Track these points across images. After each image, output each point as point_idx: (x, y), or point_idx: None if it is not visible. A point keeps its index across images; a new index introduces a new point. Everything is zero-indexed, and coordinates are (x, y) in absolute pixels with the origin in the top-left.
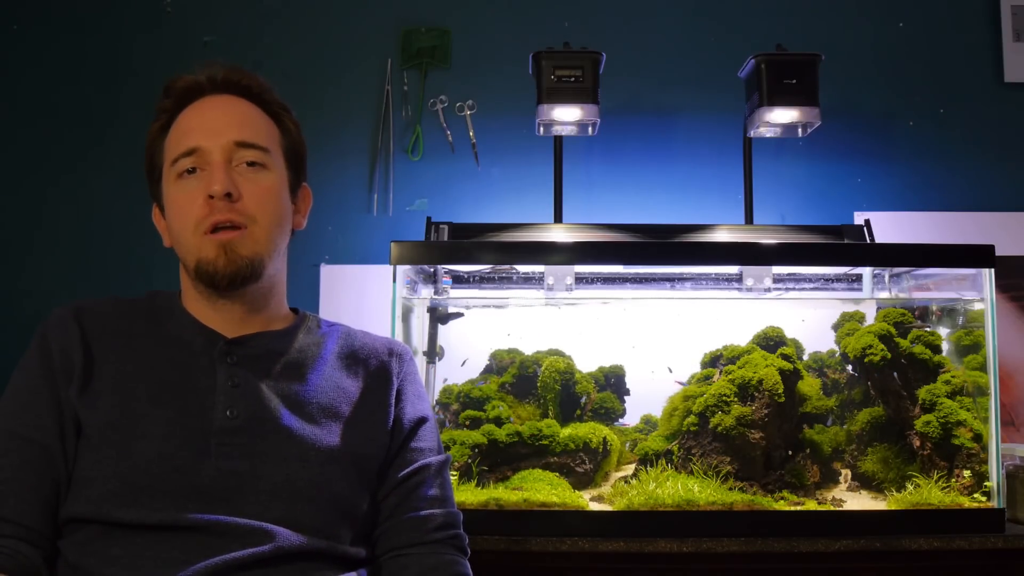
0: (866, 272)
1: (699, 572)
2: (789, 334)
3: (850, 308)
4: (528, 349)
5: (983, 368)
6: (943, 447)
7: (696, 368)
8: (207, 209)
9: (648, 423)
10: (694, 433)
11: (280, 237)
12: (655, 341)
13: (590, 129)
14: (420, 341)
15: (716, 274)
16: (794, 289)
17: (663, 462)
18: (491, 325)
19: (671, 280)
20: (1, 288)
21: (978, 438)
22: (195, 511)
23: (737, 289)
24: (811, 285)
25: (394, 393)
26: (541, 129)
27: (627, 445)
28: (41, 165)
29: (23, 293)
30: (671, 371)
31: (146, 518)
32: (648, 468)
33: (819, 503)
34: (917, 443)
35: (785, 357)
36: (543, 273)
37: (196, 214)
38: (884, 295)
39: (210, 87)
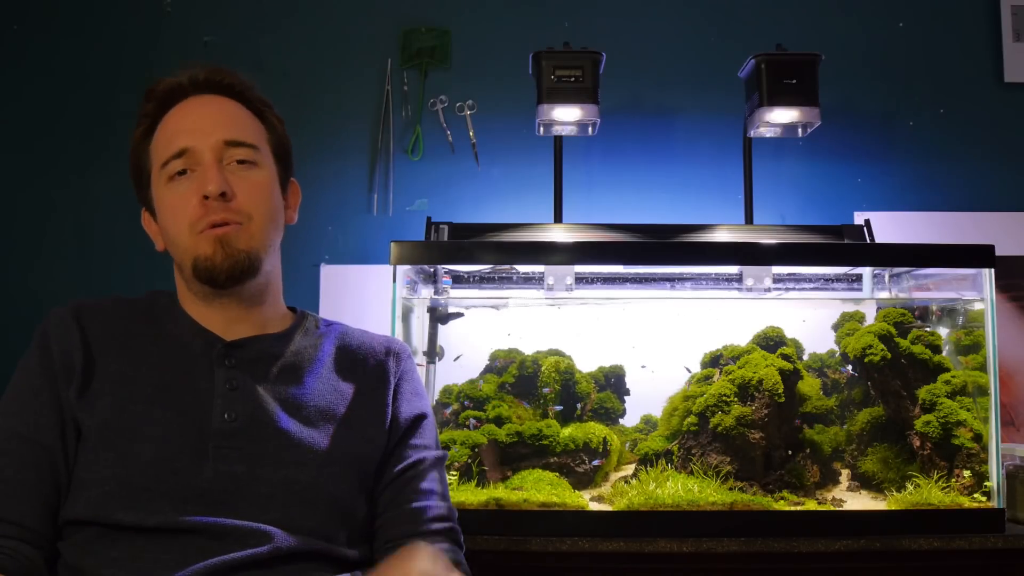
0: (866, 272)
1: (699, 572)
2: (789, 334)
3: (850, 308)
4: (528, 349)
5: (983, 368)
6: (943, 447)
7: (696, 368)
8: (202, 210)
9: (648, 423)
10: (694, 433)
11: (274, 232)
12: (655, 341)
13: (590, 129)
14: (420, 341)
15: (716, 274)
16: (794, 289)
17: (663, 462)
18: (491, 325)
19: (671, 280)
20: (4, 288)
21: (978, 438)
22: (193, 513)
23: (737, 289)
24: (811, 285)
25: (391, 391)
26: (541, 129)
27: (627, 445)
28: (42, 164)
29: (27, 293)
30: (689, 370)
31: (144, 520)
32: (648, 468)
33: (819, 503)
34: (917, 443)
35: (785, 357)
36: (543, 273)
37: (191, 215)
38: (884, 295)
39: (192, 88)
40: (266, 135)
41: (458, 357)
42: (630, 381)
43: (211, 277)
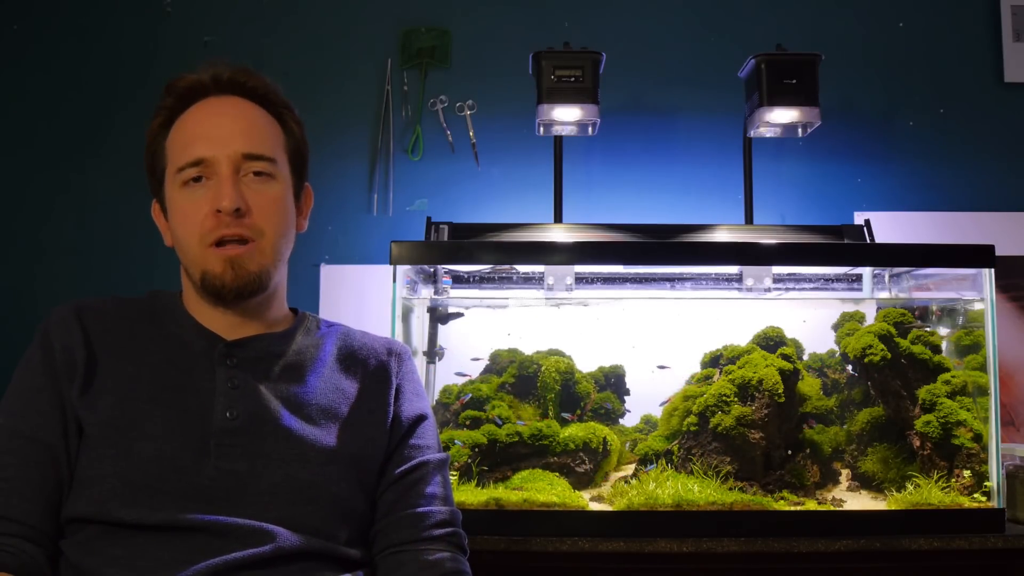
0: (866, 272)
1: (699, 572)
2: (789, 334)
3: (850, 308)
4: (528, 349)
5: (983, 368)
6: (943, 447)
7: (696, 368)
8: (214, 222)
9: (648, 423)
10: (694, 433)
11: (285, 247)
12: (655, 341)
13: (590, 129)
14: (420, 341)
15: (716, 274)
16: (794, 289)
17: (663, 462)
18: (491, 325)
19: (671, 280)
20: (5, 288)
21: (978, 438)
22: (195, 511)
23: (737, 289)
24: (811, 285)
25: (393, 392)
26: (541, 129)
27: (627, 445)
28: (42, 164)
29: (28, 293)
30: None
31: (146, 518)
32: (648, 468)
33: (819, 503)
34: (917, 443)
35: (785, 357)
36: (543, 273)
37: (202, 226)
38: (884, 295)
39: (215, 87)
40: (284, 142)
41: (462, 374)
42: (631, 381)
43: (219, 294)
